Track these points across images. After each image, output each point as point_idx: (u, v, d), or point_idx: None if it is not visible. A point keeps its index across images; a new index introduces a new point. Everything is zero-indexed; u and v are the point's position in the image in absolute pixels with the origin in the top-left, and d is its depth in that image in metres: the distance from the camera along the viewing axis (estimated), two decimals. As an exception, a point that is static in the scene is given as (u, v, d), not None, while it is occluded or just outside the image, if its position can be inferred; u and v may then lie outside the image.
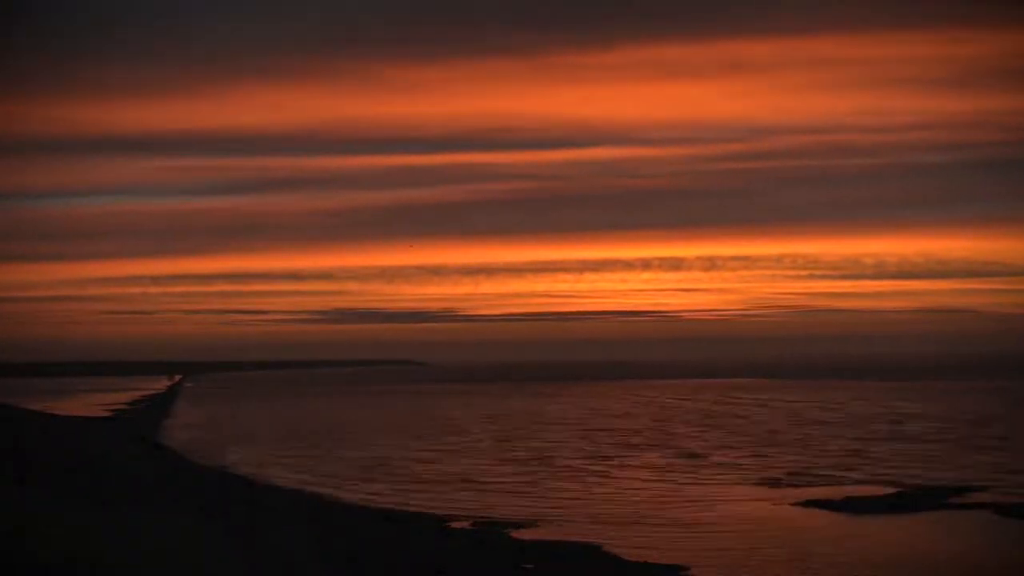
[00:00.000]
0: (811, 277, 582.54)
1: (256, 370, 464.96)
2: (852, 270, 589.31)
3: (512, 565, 31.73)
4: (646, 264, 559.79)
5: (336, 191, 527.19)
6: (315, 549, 32.02)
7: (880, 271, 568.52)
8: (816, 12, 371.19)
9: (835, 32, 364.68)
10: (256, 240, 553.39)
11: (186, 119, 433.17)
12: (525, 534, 37.94)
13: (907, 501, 45.02)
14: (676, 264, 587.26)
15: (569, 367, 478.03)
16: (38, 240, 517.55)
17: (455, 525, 40.08)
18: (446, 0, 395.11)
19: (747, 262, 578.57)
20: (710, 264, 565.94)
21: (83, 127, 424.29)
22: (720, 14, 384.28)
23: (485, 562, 32.01)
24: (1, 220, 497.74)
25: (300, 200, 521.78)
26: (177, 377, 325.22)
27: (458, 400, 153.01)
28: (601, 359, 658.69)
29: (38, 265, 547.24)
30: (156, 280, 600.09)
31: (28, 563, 19.84)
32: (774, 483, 51.80)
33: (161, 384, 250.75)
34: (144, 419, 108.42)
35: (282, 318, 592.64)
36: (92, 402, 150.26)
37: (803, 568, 32.19)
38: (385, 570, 30.18)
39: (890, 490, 48.48)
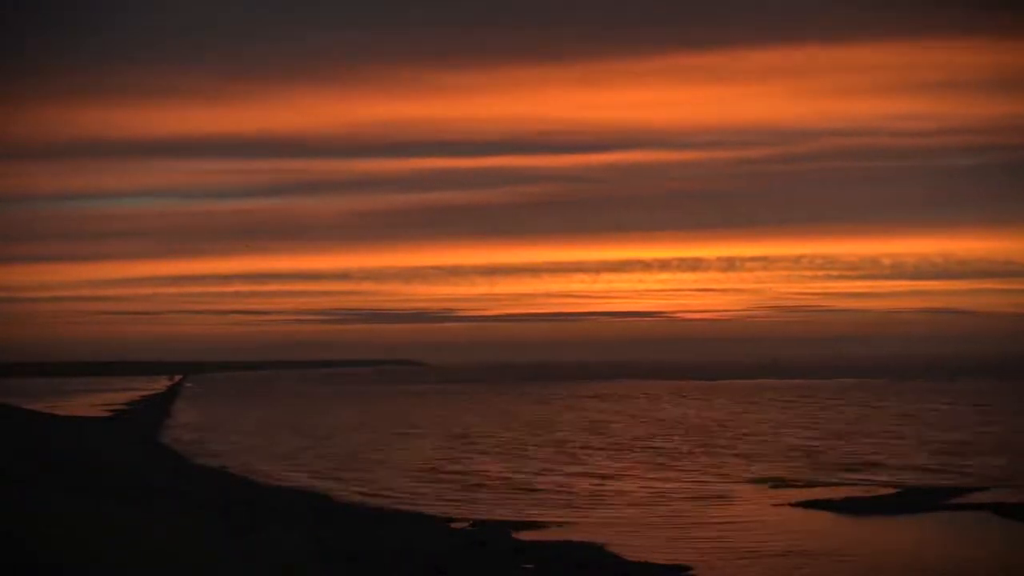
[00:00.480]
0: (828, 277, 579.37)
1: (257, 370, 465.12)
2: (870, 270, 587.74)
3: (512, 565, 31.71)
4: (664, 265, 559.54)
5: (359, 194, 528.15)
6: (315, 549, 32.01)
7: (898, 271, 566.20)
8: (839, 19, 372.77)
9: (859, 39, 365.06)
10: (273, 241, 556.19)
11: (205, 123, 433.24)
12: (525, 534, 37.88)
13: (908, 502, 44.99)
14: (694, 265, 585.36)
15: (578, 367, 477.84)
16: (52, 241, 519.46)
17: (455, 525, 40.05)
18: (475, 4, 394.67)
19: (765, 262, 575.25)
20: (728, 265, 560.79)
21: (103, 131, 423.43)
22: (744, 21, 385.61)
23: (485, 562, 31.99)
24: (16, 221, 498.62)
25: (320, 203, 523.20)
26: (177, 377, 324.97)
27: (462, 402, 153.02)
28: (615, 359, 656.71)
29: (53, 265, 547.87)
30: (174, 280, 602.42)
31: (28, 563, 19.82)
32: (775, 483, 51.78)
33: (161, 384, 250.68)
34: (144, 419, 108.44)
35: (293, 318, 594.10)
36: (92, 402, 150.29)
37: (804, 569, 32.17)
38: (385, 570, 30.17)
39: (891, 490, 48.46)
